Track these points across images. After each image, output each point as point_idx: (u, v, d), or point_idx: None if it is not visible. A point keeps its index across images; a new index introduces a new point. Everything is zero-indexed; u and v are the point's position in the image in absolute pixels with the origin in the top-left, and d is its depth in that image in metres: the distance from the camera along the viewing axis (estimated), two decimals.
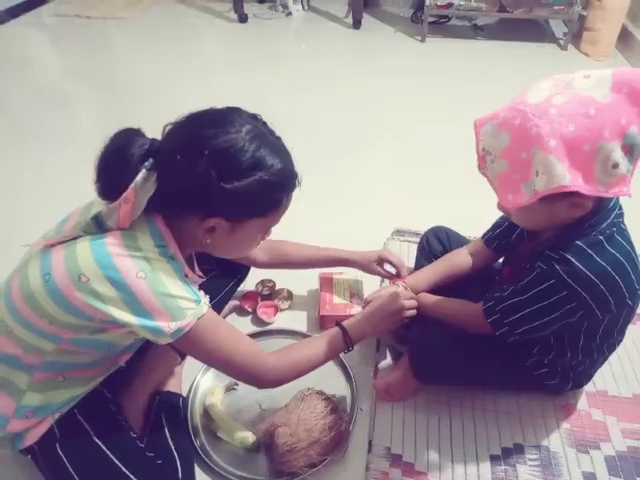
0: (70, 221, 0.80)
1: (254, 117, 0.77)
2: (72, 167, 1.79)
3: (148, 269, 0.72)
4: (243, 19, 3.12)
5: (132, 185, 0.70)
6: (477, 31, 3.10)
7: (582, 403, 1.12)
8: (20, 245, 0.83)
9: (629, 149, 0.74)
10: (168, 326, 0.73)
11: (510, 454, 1.02)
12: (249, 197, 0.73)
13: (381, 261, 1.23)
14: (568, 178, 0.73)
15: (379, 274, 1.25)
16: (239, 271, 1.25)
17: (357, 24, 3.07)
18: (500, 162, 0.79)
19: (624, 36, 2.71)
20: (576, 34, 2.82)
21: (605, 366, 1.08)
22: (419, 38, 2.95)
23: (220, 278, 1.20)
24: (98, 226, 0.74)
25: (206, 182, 0.71)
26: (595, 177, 0.75)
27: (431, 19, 3.02)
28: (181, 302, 0.74)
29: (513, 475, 0.99)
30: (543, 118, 0.73)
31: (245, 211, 0.76)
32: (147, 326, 0.72)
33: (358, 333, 0.97)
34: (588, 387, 1.13)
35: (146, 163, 0.71)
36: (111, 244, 0.72)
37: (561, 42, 2.88)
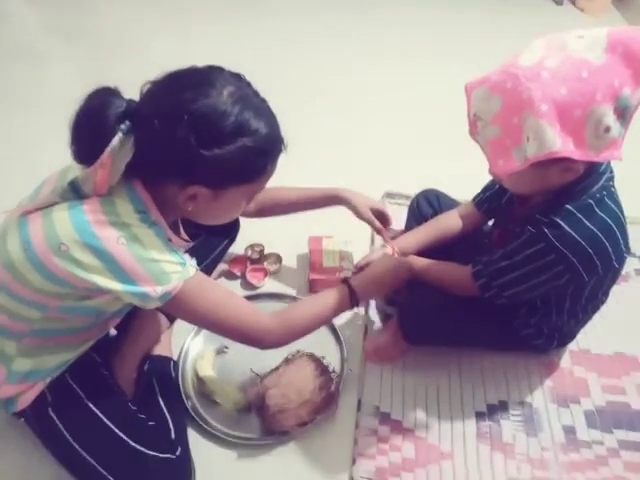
0: (46, 187, 0.78)
1: (237, 77, 0.73)
2: (46, 129, 1.71)
3: (129, 235, 0.70)
4: None
5: (108, 149, 0.67)
6: None
7: (565, 361, 1.15)
8: None
9: (621, 112, 0.73)
10: (154, 290, 0.71)
11: (495, 410, 1.06)
12: (231, 164, 0.70)
13: (373, 209, 1.17)
14: (559, 143, 0.72)
15: (370, 222, 1.17)
16: (229, 232, 1.24)
17: None
18: (491, 127, 0.77)
19: None
20: None
21: (588, 325, 1.11)
22: None
23: (210, 240, 1.18)
24: (75, 192, 0.71)
25: (185, 149, 0.67)
26: (586, 142, 0.74)
27: None
28: (165, 266, 0.72)
29: (497, 430, 1.03)
30: (535, 81, 0.72)
31: (227, 178, 0.73)
32: (133, 292, 0.71)
33: (364, 293, 0.94)
34: (571, 345, 1.16)
35: (122, 126, 0.68)
36: (90, 211, 0.70)
37: None
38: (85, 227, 0.69)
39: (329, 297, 0.90)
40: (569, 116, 0.72)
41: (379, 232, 1.19)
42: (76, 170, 0.74)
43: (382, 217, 1.19)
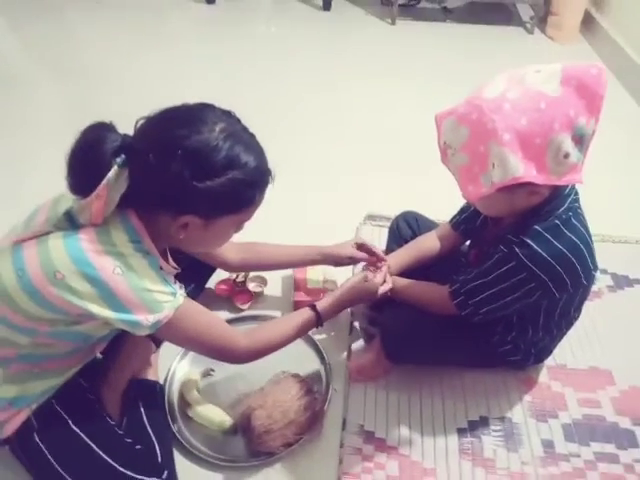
0: (39, 215, 0.80)
1: (228, 114, 0.78)
2: (31, 158, 1.74)
3: (124, 265, 0.73)
4: (211, 0, 3.05)
5: (104, 182, 0.70)
6: (447, 14, 3.11)
7: (543, 376, 1.19)
8: None
9: (579, 139, 0.79)
10: (146, 319, 0.75)
11: (476, 426, 1.08)
12: (222, 195, 0.74)
13: (358, 246, 1.20)
14: (522, 169, 0.78)
15: (353, 257, 1.19)
16: (206, 272, 1.26)
17: (327, 6, 3.04)
18: (460, 155, 0.83)
19: (588, 21, 2.77)
20: (542, 18, 2.88)
21: (564, 341, 1.15)
22: (389, 20, 2.95)
23: (193, 266, 1.20)
24: (70, 222, 0.74)
25: (179, 182, 0.71)
26: (547, 167, 0.79)
27: (401, 1, 3.01)
28: (158, 295, 0.75)
29: (478, 446, 1.05)
30: (498, 113, 0.77)
31: (218, 209, 0.77)
32: (126, 320, 0.74)
33: (329, 313, 1.02)
34: (548, 361, 1.19)
35: (118, 159, 0.71)
36: (86, 240, 0.73)
37: (528, 26, 2.92)
38: (81, 256, 0.71)
39: (295, 319, 0.98)
40: (530, 144, 0.77)
41: (370, 263, 1.18)
42: (68, 199, 0.76)
43: (364, 248, 1.20)
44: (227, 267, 1.20)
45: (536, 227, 0.89)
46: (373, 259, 1.19)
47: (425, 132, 1.99)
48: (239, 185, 0.75)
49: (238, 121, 0.78)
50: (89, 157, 0.71)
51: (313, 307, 1.00)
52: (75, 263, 0.71)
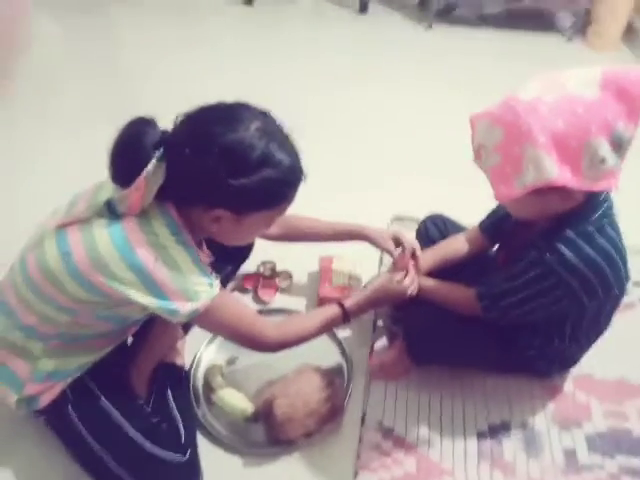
0: (81, 202, 0.84)
1: (264, 114, 0.80)
2: (66, 152, 1.81)
3: (165, 255, 0.77)
4: (249, 1, 3.11)
5: (143, 174, 0.73)
6: (483, 20, 3.09)
7: (568, 385, 1.17)
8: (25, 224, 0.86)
9: (616, 144, 0.78)
10: (184, 307, 0.78)
11: (497, 430, 1.08)
12: (256, 192, 0.76)
13: (395, 239, 1.21)
14: (556, 172, 0.77)
15: (389, 252, 1.21)
16: (241, 253, 1.29)
17: (364, 9, 3.07)
18: (493, 156, 0.83)
19: (630, 30, 2.71)
20: (582, 26, 2.82)
21: (592, 351, 1.13)
22: (425, 25, 2.95)
23: (223, 259, 1.23)
24: (110, 211, 0.78)
25: (214, 178, 0.74)
26: (583, 171, 0.78)
27: (439, 6, 3.01)
28: (196, 286, 0.79)
29: (498, 450, 1.04)
30: (533, 115, 0.77)
31: (251, 205, 0.79)
32: (165, 307, 0.78)
33: (356, 312, 1.02)
34: (575, 370, 1.18)
35: (157, 153, 0.74)
36: (129, 230, 0.76)
37: (567, 34, 2.87)
38: (125, 245, 0.75)
39: (323, 314, 0.99)
40: (566, 147, 0.77)
41: (398, 260, 1.19)
42: (109, 188, 0.81)
43: (398, 242, 1.21)
44: (266, 237, 1.21)
45: (568, 232, 0.88)
46: (404, 261, 1.18)
47: (455, 136, 1.99)
48: (272, 183, 0.77)
49: (274, 121, 0.81)
50: (130, 149, 0.75)
51: (341, 304, 1.01)
52: (119, 252, 0.75)
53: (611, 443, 1.06)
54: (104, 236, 0.76)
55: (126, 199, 0.76)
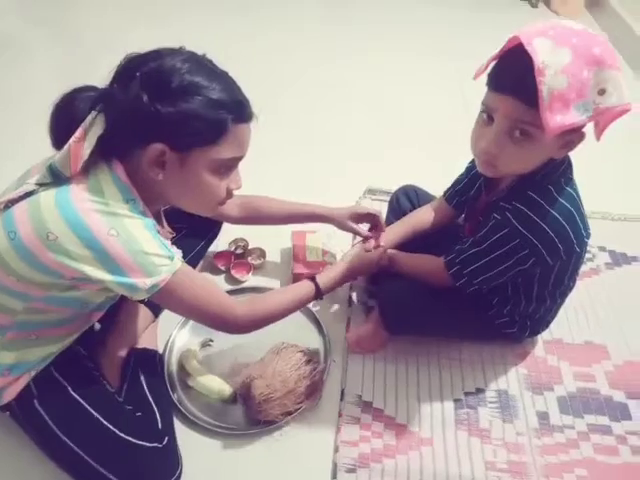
0: (30, 177, 0.77)
1: (197, 53, 0.77)
2: (24, 121, 1.69)
3: (119, 226, 0.71)
4: None
5: (81, 126, 0.71)
6: None
7: (539, 350, 1.20)
8: None
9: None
10: (143, 282, 0.73)
11: (472, 398, 1.10)
12: (186, 118, 0.72)
13: (356, 218, 1.21)
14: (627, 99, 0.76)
15: (354, 232, 1.23)
16: (210, 229, 1.25)
17: None
18: (560, 78, 0.75)
19: None
20: None
21: (561, 316, 1.16)
22: None
23: (191, 237, 1.20)
24: (54, 176, 0.73)
25: (139, 105, 0.70)
26: None
27: None
28: (155, 259, 0.73)
29: (474, 417, 1.06)
30: (594, 39, 0.77)
31: (186, 136, 0.73)
32: (122, 283, 0.72)
33: (329, 287, 1.02)
34: (545, 335, 1.21)
35: (96, 107, 0.73)
36: (77, 200, 0.71)
37: (532, 0, 2.87)
38: (74, 217, 0.70)
39: (295, 290, 0.98)
40: None
41: (365, 237, 1.20)
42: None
43: (368, 217, 1.22)
44: (227, 219, 1.20)
45: (529, 193, 0.89)
46: (369, 234, 1.20)
47: (428, 108, 1.98)
48: (203, 107, 0.72)
49: (210, 60, 0.78)
50: (66, 109, 0.73)
51: (313, 279, 1.00)
52: (68, 224, 0.70)
53: (580, 404, 1.10)
54: (51, 207, 0.71)
55: (67, 155, 0.71)
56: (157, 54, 0.73)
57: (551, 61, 0.75)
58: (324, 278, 1.01)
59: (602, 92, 0.76)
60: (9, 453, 0.95)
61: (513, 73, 0.79)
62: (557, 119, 0.75)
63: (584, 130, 0.82)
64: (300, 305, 0.99)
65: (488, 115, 0.85)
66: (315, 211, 1.22)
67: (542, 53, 0.75)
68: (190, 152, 0.75)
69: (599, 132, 0.82)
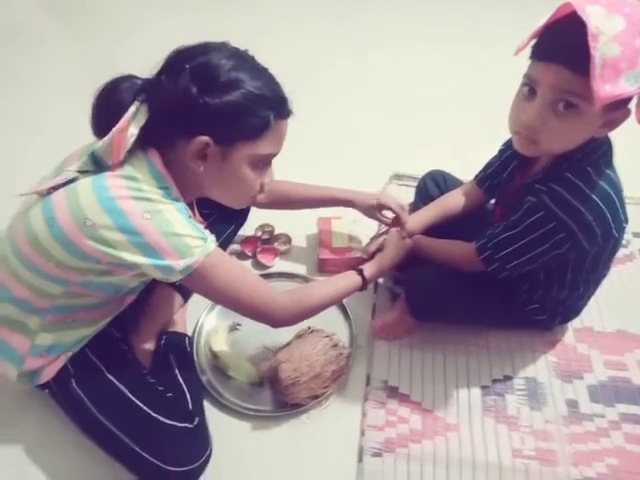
0: (69, 164, 0.79)
1: (240, 49, 0.79)
2: (45, 109, 1.72)
3: (153, 209, 0.73)
4: None
5: (125, 115, 0.72)
6: None
7: (569, 338, 1.18)
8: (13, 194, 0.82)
9: None
10: (177, 264, 0.74)
11: (500, 385, 1.09)
12: (233, 113, 0.73)
13: (380, 207, 1.22)
14: None
15: (377, 219, 1.25)
16: (239, 215, 1.26)
17: None
18: (613, 45, 0.73)
19: None
20: None
21: (592, 304, 1.14)
22: None
23: (220, 223, 1.21)
24: (95, 164, 0.74)
25: (188, 98, 0.72)
26: None
27: None
28: (188, 240, 0.74)
29: (502, 404, 1.06)
30: None
31: (232, 130, 0.75)
32: (157, 265, 0.73)
33: (374, 278, 1.05)
34: (575, 323, 1.18)
35: (139, 97, 0.74)
36: (113, 187, 0.73)
37: None
38: (110, 203, 0.72)
39: (341, 282, 0.98)
40: None
41: (388, 226, 1.22)
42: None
43: (389, 209, 1.22)
44: (254, 204, 1.21)
45: (566, 174, 0.86)
46: (392, 222, 1.21)
47: (454, 95, 1.93)
48: (249, 102, 0.74)
49: (251, 56, 0.79)
50: (109, 98, 0.75)
51: (360, 272, 1.00)
52: (104, 210, 0.71)
53: (611, 393, 1.08)
54: (88, 194, 0.73)
55: (110, 144, 0.73)
56: (205, 48, 0.75)
57: (604, 27, 0.72)
58: (371, 269, 1.02)
59: None
60: (48, 428, 0.99)
61: (564, 40, 0.77)
62: (607, 88, 0.72)
63: (629, 107, 0.78)
64: (345, 297, 1.00)
65: (530, 88, 0.82)
66: (340, 196, 1.22)
67: (595, 19, 0.72)
68: (233, 146, 0.76)
69: None
